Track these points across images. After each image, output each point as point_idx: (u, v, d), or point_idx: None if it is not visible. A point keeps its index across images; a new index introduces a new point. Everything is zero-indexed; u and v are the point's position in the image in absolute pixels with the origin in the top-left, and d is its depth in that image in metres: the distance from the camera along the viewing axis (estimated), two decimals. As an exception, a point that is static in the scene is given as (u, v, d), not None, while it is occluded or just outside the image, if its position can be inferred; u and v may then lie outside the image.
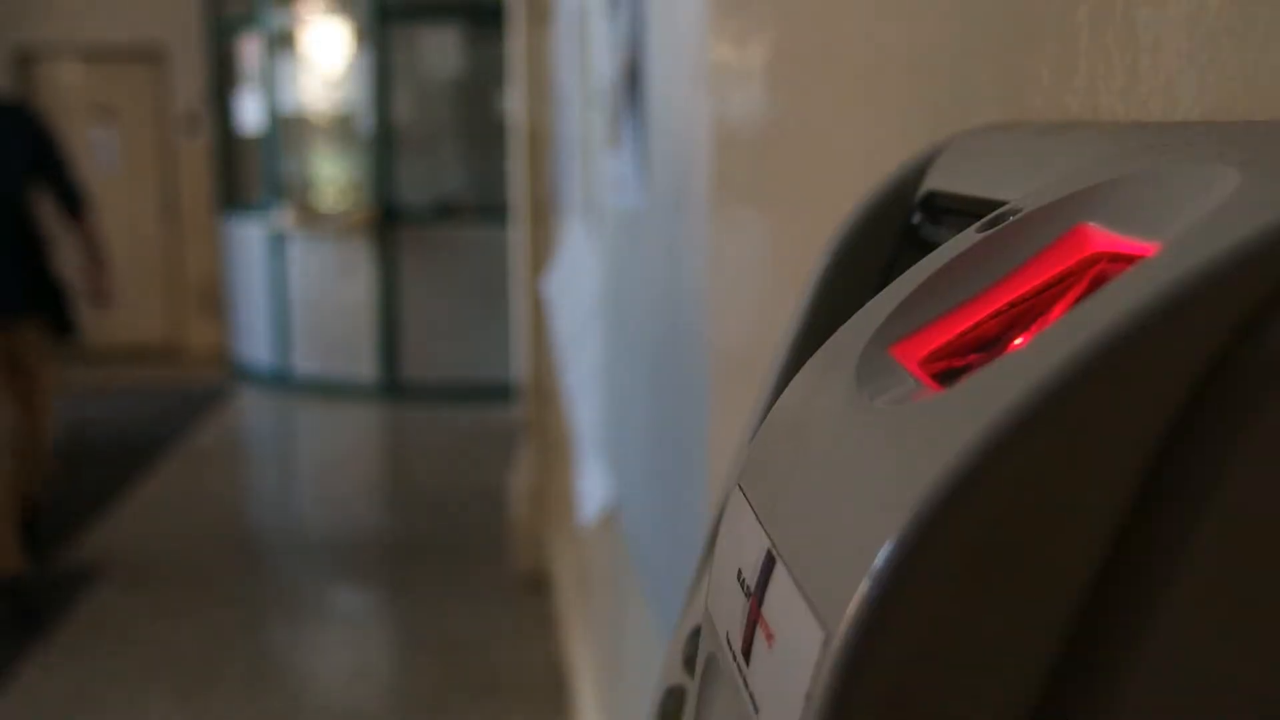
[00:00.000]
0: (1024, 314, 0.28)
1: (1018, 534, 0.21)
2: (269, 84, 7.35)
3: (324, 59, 7.33)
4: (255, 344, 7.62)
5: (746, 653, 0.25)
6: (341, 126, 7.37)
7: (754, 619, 0.25)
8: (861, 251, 0.43)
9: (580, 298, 2.45)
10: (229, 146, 7.89)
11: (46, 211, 4.24)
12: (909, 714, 0.21)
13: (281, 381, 7.38)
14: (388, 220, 7.00)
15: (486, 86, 6.94)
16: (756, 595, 0.25)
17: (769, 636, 0.24)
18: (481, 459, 5.49)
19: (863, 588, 0.21)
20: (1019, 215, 0.29)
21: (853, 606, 0.21)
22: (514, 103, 4.51)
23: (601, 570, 2.44)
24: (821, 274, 0.45)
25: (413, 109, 7.21)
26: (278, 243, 7.30)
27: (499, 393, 6.20)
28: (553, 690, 3.19)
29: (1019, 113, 0.44)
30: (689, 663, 0.39)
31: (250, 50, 7.51)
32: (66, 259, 4.43)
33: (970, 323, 0.28)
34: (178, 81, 8.37)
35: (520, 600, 3.85)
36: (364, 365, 7.13)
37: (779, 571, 0.24)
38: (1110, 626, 0.21)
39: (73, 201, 4.22)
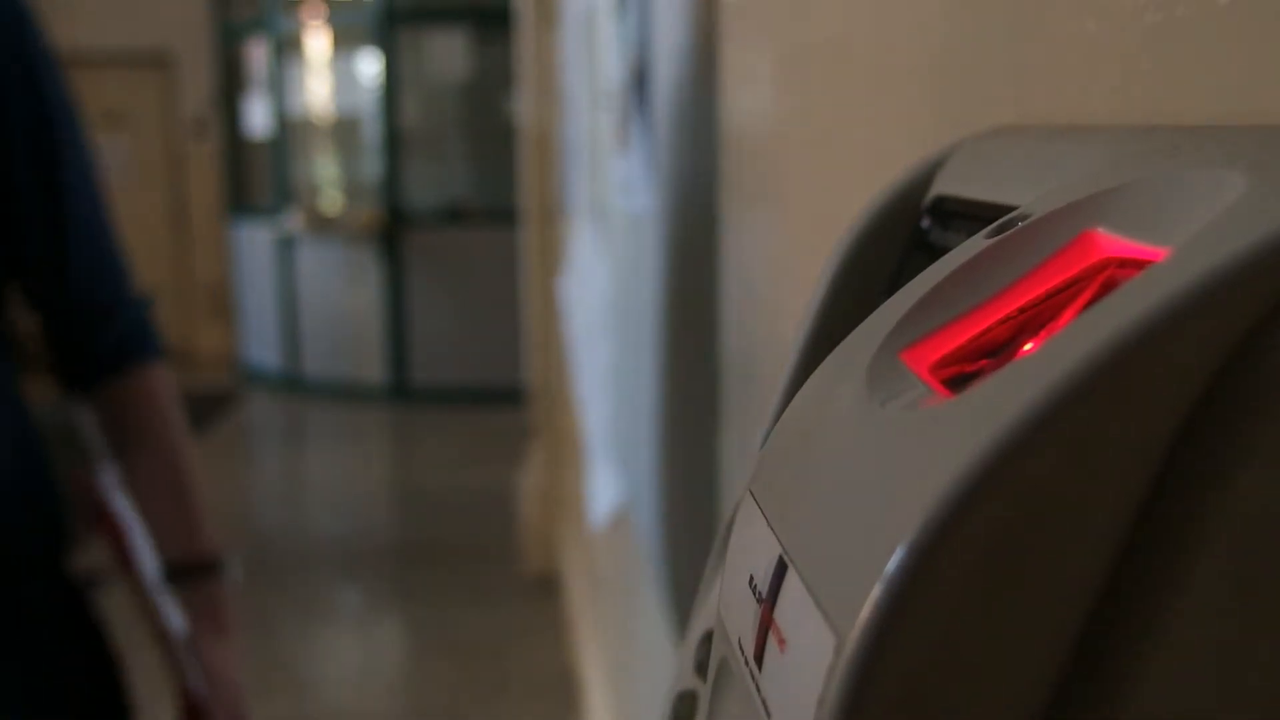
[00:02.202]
0: (1034, 319, 0.28)
1: (1029, 539, 0.21)
2: (276, 88, 7.36)
3: (331, 63, 7.34)
4: (264, 347, 7.63)
5: (759, 658, 0.25)
6: (349, 130, 7.38)
7: (766, 624, 0.25)
8: (870, 256, 0.43)
9: (591, 301, 2.45)
10: (237, 151, 7.90)
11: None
12: (923, 719, 0.21)
13: (290, 385, 7.40)
14: (396, 224, 7.01)
15: (494, 90, 6.94)
16: (768, 601, 0.25)
17: (781, 642, 0.24)
18: (491, 461, 5.49)
19: (874, 593, 0.21)
20: (1028, 220, 0.30)
21: (865, 612, 0.21)
22: (522, 106, 4.51)
23: (612, 573, 2.44)
24: (830, 278, 0.45)
25: (421, 112, 7.22)
26: (286, 246, 7.31)
27: (508, 396, 6.21)
28: (563, 693, 3.19)
29: (1027, 117, 0.44)
30: (700, 668, 0.39)
31: (258, 55, 7.52)
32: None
33: (980, 328, 0.28)
34: (186, 87, 8.39)
35: (531, 602, 3.85)
36: (373, 368, 7.14)
37: (791, 577, 0.25)
38: (1120, 631, 0.21)
39: (108, 311, 1.22)
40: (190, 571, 1.28)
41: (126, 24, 8.27)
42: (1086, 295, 0.27)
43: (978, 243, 0.30)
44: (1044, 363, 0.22)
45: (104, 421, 1.25)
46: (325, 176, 7.54)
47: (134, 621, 1.24)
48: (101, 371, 1.23)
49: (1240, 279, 0.21)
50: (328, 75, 7.37)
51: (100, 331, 1.22)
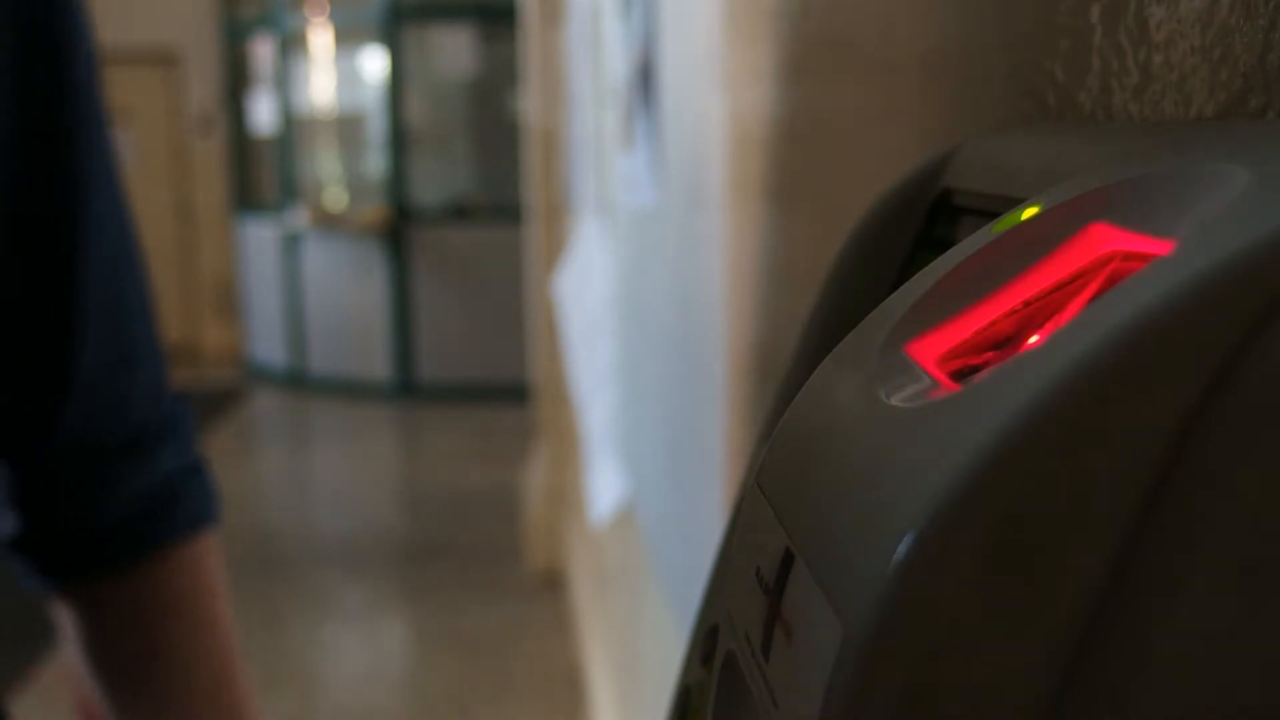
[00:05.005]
0: (1040, 312, 0.28)
1: (1034, 529, 0.21)
2: (282, 85, 7.36)
3: (337, 60, 7.35)
4: (270, 345, 7.64)
5: (765, 650, 0.26)
6: (355, 127, 7.39)
7: (773, 616, 0.25)
8: (876, 249, 0.44)
9: (591, 297, 2.45)
10: (243, 148, 7.91)
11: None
12: (929, 707, 0.21)
13: (296, 382, 7.40)
14: (402, 220, 7.01)
15: (499, 86, 6.94)
16: (775, 593, 0.26)
17: (788, 633, 0.24)
18: (496, 458, 5.49)
19: (882, 583, 0.21)
20: (1034, 214, 0.30)
21: (872, 601, 0.21)
22: (527, 102, 4.51)
23: (618, 569, 2.44)
24: (836, 272, 0.45)
25: (426, 109, 7.22)
26: (292, 244, 7.31)
27: (513, 393, 6.21)
28: (569, 689, 3.20)
29: (1033, 111, 0.44)
30: (707, 661, 0.39)
31: (263, 52, 7.52)
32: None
33: (986, 321, 0.29)
34: (192, 83, 8.40)
35: (536, 599, 3.85)
36: (378, 366, 7.14)
37: (798, 568, 0.25)
38: (1127, 620, 0.21)
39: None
40: None
41: (132, 20, 8.27)
42: (1092, 288, 0.27)
43: (984, 236, 0.30)
44: (1049, 354, 0.22)
45: (100, 632, 0.74)
46: (331, 173, 7.54)
47: None
48: (110, 557, 0.71)
49: (1245, 272, 0.21)
50: (333, 72, 7.38)
51: (114, 486, 0.70)
